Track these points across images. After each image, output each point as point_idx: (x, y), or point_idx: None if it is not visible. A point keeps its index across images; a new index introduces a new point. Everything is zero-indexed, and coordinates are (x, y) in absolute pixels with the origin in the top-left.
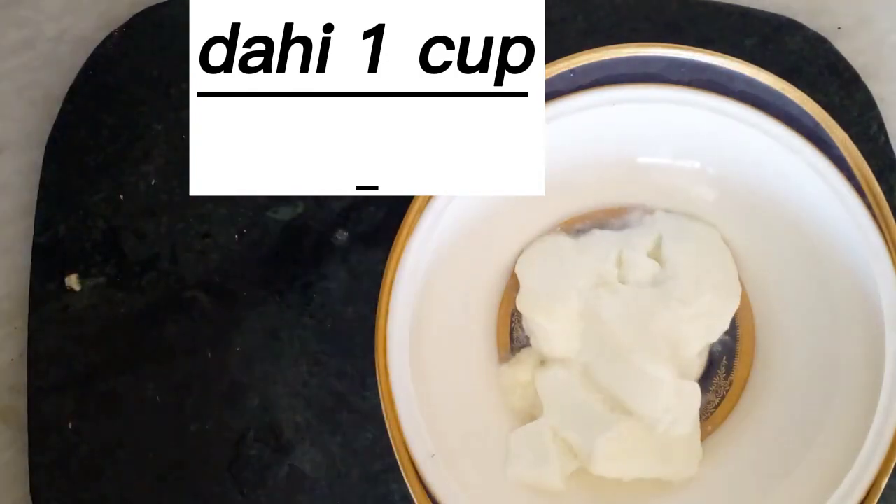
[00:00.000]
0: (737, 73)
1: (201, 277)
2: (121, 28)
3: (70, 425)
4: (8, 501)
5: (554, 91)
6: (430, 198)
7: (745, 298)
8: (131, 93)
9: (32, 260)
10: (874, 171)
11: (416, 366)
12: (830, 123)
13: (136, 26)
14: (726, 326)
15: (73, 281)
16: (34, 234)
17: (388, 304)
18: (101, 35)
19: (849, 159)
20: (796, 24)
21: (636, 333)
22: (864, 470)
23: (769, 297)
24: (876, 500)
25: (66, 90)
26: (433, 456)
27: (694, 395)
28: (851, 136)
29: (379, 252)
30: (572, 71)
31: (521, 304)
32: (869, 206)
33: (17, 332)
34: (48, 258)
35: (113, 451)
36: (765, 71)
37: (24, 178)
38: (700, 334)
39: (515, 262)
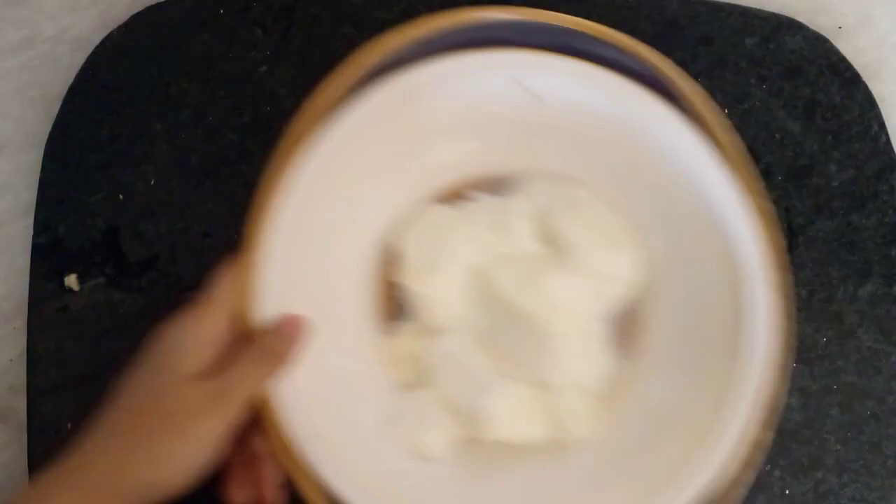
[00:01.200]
0: (584, 35)
1: (201, 277)
2: (120, 28)
3: (70, 425)
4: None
5: (400, 61)
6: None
7: None
8: (131, 93)
9: (32, 260)
10: (874, 171)
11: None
12: (676, 75)
13: (135, 26)
14: (630, 276)
15: (72, 281)
16: (34, 234)
17: (250, 288)
18: (101, 35)
19: (697, 109)
20: (797, 24)
21: (533, 298)
22: (729, 425)
23: (651, 263)
24: (744, 454)
25: (66, 90)
26: (314, 438)
27: (597, 357)
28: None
29: None
30: (430, 38)
31: (403, 275)
32: (721, 157)
33: (17, 332)
34: (48, 258)
35: None
36: (614, 31)
37: (23, 178)
38: (603, 294)
39: (390, 233)
